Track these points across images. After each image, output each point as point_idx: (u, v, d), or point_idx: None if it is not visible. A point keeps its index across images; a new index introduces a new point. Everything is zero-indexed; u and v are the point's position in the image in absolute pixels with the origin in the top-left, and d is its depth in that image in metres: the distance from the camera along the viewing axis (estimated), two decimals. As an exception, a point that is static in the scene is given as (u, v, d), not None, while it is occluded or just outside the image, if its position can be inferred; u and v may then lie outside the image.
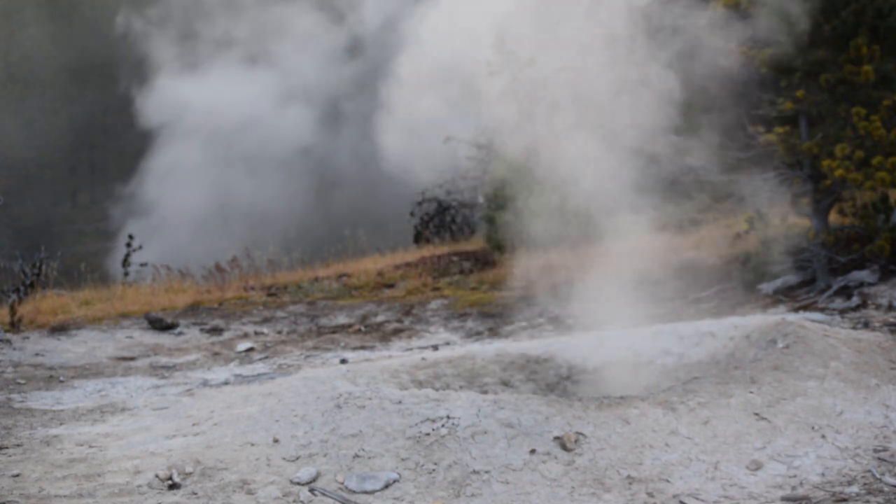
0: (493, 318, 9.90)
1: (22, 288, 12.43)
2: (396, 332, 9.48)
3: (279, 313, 10.77)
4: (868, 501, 3.86)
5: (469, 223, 20.09)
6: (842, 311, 8.15)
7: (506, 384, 6.33)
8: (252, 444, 4.59)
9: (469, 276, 12.71)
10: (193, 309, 10.99)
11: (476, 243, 16.08)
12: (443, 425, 4.39)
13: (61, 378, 7.38)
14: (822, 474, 4.13)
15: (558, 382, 6.38)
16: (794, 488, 4.01)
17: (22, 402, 6.45)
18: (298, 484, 4.13)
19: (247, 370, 7.70)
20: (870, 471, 4.16)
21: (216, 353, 8.72)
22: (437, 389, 5.47)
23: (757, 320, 6.43)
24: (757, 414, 4.56)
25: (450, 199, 20.99)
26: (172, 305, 11.15)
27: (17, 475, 4.43)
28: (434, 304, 10.76)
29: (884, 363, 5.34)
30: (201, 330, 9.89)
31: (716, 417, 4.52)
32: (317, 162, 32.99)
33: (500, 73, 18.86)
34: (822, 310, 8.35)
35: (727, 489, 4.01)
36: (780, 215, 9.47)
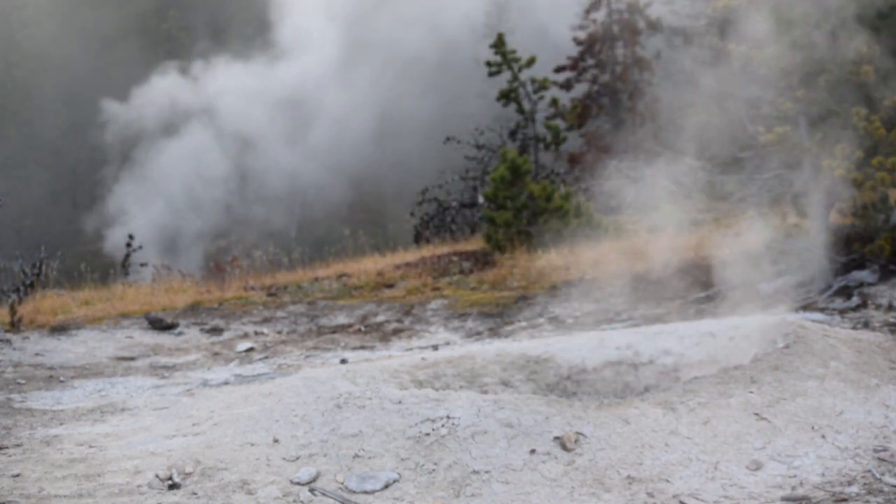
0: (493, 318, 9.90)
1: (22, 288, 12.44)
2: (396, 332, 9.48)
3: (279, 313, 10.77)
4: (868, 501, 3.86)
5: (469, 223, 20.12)
6: (842, 311, 8.15)
7: (506, 384, 6.33)
8: (252, 444, 4.59)
9: (469, 276, 12.71)
10: (193, 309, 10.99)
11: (476, 243, 16.09)
12: (443, 425, 4.39)
13: (61, 378, 7.38)
14: (822, 474, 4.13)
15: (558, 382, 6.37)
16: (794, 488, 4.01)
17: (22, 402, 6.45)
18: (298, 484, 4.13)
19: (247, 370, 7.70)
20: (870, 471, 4.16)
21: (216, 353, 8.72)
22: (437, 389, 5.47)
23: (757, 320, 6.43)
24: (757, 414, 4.56)
25: (450, 200, 21.01)
26: (172, 305, 11.16)
27: (17, 475, 4.43)
28: (434, 304, 10.76)
29: (884, 363, 5.34)
30: (201, 330, 9.89)
31: (716, 417, 4.52)
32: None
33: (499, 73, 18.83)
34: (822, 310, 8.35)
35: (727, 489, 4.01)
36: (780, 215, 9.48)
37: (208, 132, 34.09)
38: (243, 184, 35.27)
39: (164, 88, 35.03)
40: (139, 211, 32.51)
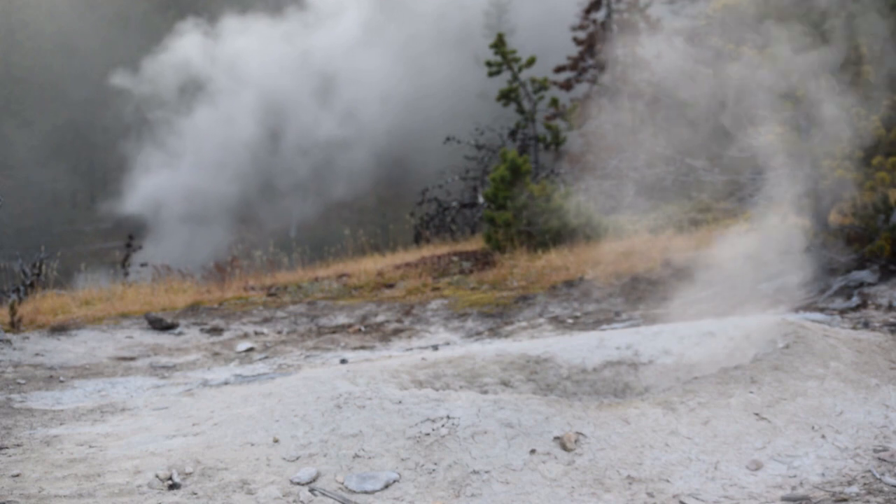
0: (493, 318, 9.90)
1: (22, 288, 12.44)
2: (396, 332, 9.48)
3: (279, 313, 10.77)
4: (868, 501, 3.86)
5: (469, 223, 20.13)
6: (842, 311, 8.15)
7: (506, 384, 6.33)
8: (252, 444, 4.59)
9: (469, 276, 12.71)
10: (193, 309, 10.98)
11: (476, 243, 16.10)
12: (443, 425, 4.39)
13: (61, 378, 7.38)
14: (822, 474, 4.13)
15: (558, 382, 6.37)
16: (794, 488, 4.01)
17: (22, 402, 6.44)
18: (298, 484, 4.13)
19: (247, 370, 7.70)
20: (870, 471, 4.16)
21: (216, 353, 8.72)
22: (437, 389, 5.47)
23: (757, 320, 6.43)
24: (757, 414, 4.56)
25: (450, 200, 21.02)
26: (172, 305, 11.15)
27: (17, 475, 4.42)
28: (434, 304, 10.76)
29: (884, 363, 5.34)
30: (201, 330, 9.89)
31: (716, 417, 4.52)
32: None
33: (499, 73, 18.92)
34: (822, 310, 8.34)
35: (727, 489, 4.01)
36: (780, 215, 9.48)
37: (225, 99, 34.03)
38: (266, 152, 35.23)
39: (178, 53, 35.03)
40: (156, 187, 32.67)
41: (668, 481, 4.05)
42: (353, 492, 4.06)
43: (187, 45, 35.41)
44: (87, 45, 39.73)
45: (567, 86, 22.74)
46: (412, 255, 15.09)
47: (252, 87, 34.32)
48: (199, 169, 33.43)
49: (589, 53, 22.76)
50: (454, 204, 20.69)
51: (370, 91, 34.81)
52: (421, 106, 34.98)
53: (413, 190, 22.90)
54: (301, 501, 3.98)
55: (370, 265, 13.96)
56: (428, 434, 4.36)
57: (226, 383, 6.82)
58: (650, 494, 3.95)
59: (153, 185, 33.03)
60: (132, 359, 8.40)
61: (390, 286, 12.22)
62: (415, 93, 35.31)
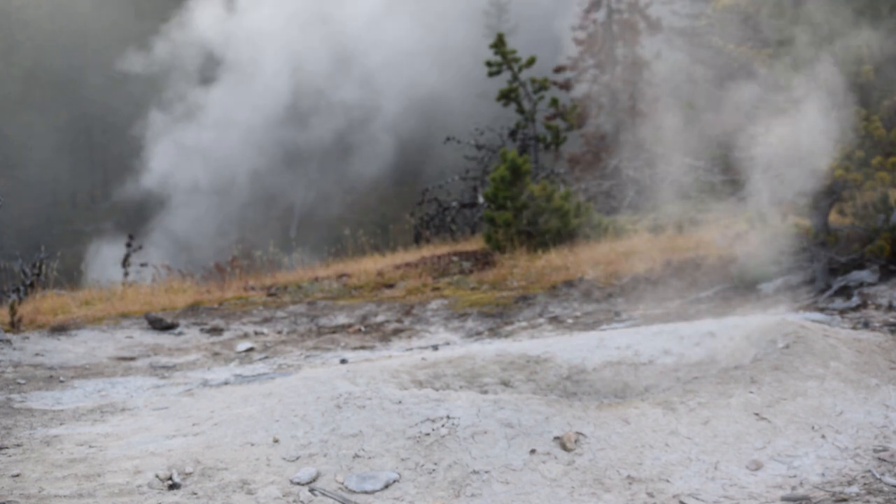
0: (493, 318, 9.90)
1: (22, 288, 12.44)
2: (396, 332, 9.48)
3: (279, 313, 10.77)
4: (868, 501, 3.86)
5: (469, 223, 20.13)
6: (842, 311, 8.15)
7: (506, 384, 6.33)
8: (252, 444, 4.59)
9: (469, 276, 12.71)
10: (193, 309, 10.98)
11: (476, 243, 16.10)
12: (443, 425, 4.39)
13: (61, 378, 7.38)
14: (822, 474, 4.13)
15: (558, 382, 6.37)
16: (794, 488, 4.01)
17: (22, 402, 6.44)
18: (298, 484, 4.13)
19: (247, 370, 7.70)
20: (870, 471, 4.16)
21: (216, 353, 8.72)
22: (437, 389, 5.47)
23: (757, 320, 6.43)
24: (757, 414, 4.57)
25: (450, 200, 21.02)
26: (172, 305, 11.15)
27: (17, 475, 4.43)
28: (434, 304, 10.76)
29: (884, 363, 5.34)
30: (201, 330, 9.89)
31: (716, 417, 4.52)
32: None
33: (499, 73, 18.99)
34: (822, 310, 8.34)
35: (727, 489, 4.01)
36: (780, 215, 9.48)
37: (239, 75, 33.93)
38: (282, 124, 35.18)
39: (192, 28, 34.99)
40: (164, 170, 32.65)
41: (668, 481, 4.06)
42: (353, 492, 4.06)
43: (200, 17, 35.32)
44: (93, 40, 39.71)
45: (567, 86, 22.74)
46: (412, 255, 15.09)
47: (269, 59, 34.20)
48: (212, 148, 33.39)
49: (589, 53, 22.75)
50: (454, 204, 20.69)
51: (390, 69, 34.82)
52: (438, 90, 35.04)
53: (413, 190, 22.93)
54: (301, 501, 3.98)
55: (370, 265, 13.96)
56: (428, 434, 4.36)
57: (226, 383, 6.82)
58: (650, 494, 3.95)
59: (162, 166, 33.02)
60: (132, 359, 8.40)
61: (390, 286, 12.22)
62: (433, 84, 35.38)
